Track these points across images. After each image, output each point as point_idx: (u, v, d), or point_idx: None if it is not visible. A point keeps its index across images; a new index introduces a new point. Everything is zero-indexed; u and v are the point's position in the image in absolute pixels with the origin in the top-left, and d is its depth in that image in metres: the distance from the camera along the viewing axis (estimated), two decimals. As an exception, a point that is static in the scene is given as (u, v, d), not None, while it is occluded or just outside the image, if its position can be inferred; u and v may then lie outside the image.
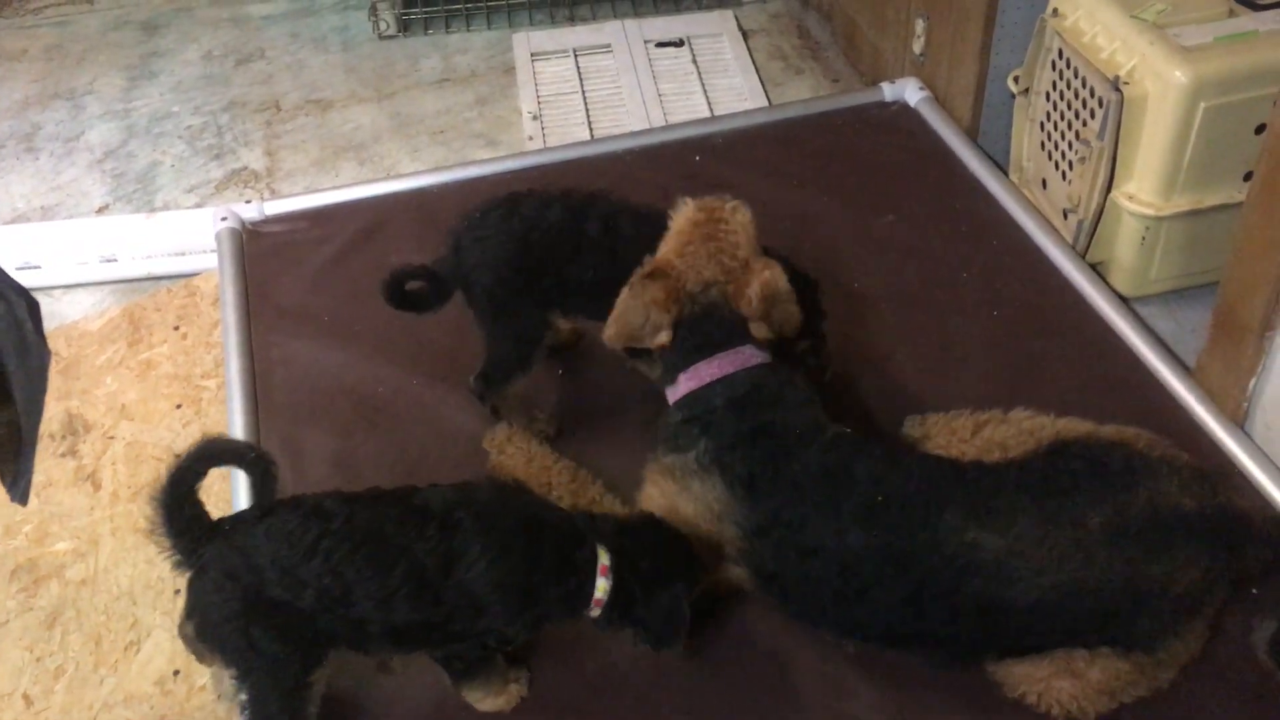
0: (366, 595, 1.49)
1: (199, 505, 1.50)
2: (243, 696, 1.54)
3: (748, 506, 1.63)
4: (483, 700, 1.70)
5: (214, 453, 1.54)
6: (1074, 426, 1.72)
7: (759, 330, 1.73)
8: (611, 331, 1.77)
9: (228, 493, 2.05)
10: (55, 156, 3.26)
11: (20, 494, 1.47)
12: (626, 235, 1.95)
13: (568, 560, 1.56)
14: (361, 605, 1.49)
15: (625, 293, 1.75)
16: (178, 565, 1.51)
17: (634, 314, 1.74)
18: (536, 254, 1.96)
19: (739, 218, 1.79)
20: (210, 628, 1.50)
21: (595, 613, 1.59)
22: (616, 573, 1.57)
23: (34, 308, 1.43)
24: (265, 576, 1.47)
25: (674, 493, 1.71)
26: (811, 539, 1.59)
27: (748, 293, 1.72)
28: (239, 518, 1.56)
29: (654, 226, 1.91)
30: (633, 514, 1.73)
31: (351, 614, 1.49)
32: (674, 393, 1.75)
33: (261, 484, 1.57)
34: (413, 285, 2.02)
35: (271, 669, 1.50)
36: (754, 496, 1.63)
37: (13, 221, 3.01)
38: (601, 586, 1.57)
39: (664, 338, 1.74)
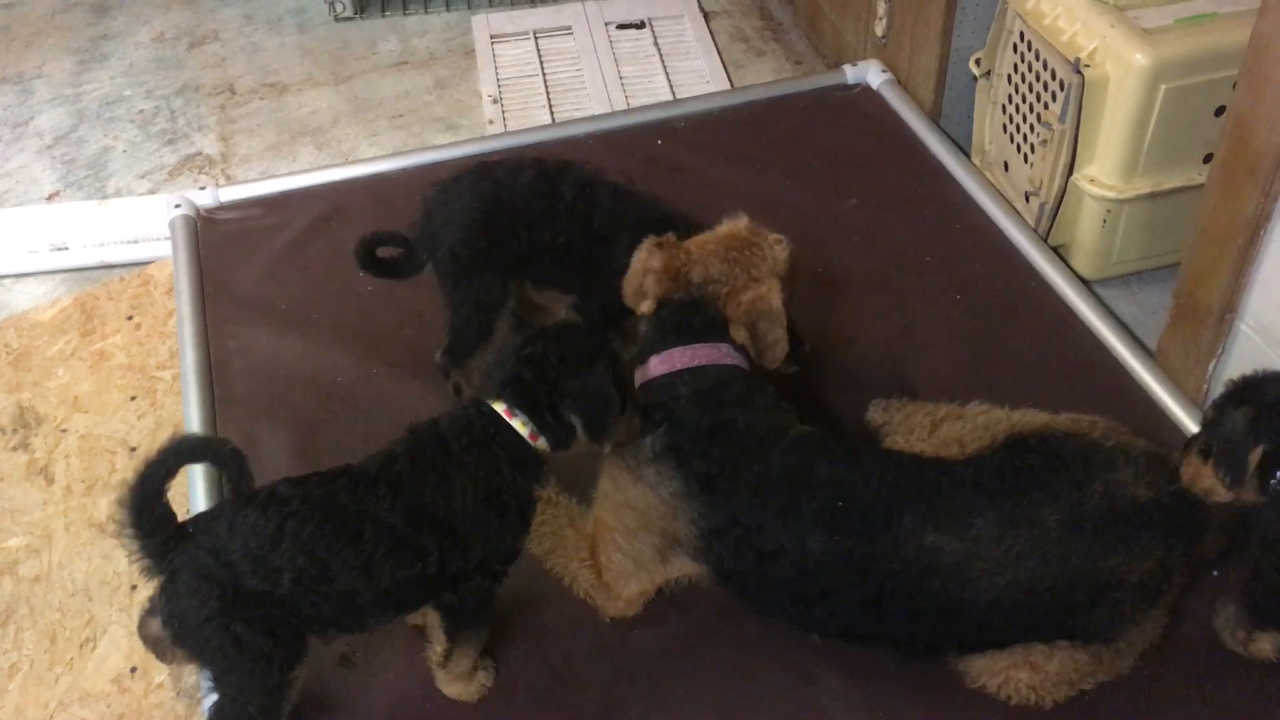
0: (344, 566, 1.48)
1: (167, 506, 1.47)
2: (215, 698, 1.52)
3: (706, 506, 1.62)
4: (451, 685, 1.68)
5: (186, 449, 1.51)
6: (1030, 419, 1.72)
7: (739, 335, 1.73)
8: (625, 288, 1.80)
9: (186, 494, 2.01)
10: (3, 142, 3.19)
11: None
12: (604, 206, 1.93)
13: (483, 443, 1.56)
14: (342, 577, 1.48)
15: (637, 251, 1.77)
16: (146, 570, 1.47)
17: (634, 275, 1.76)
18: (506, 216, 1.94)
19: (776, 250, 1.80)
20: (190, 631, 1.47)
21: (542, 444, 1.58)
22: (524, 397, 1.56)
23: None
24: (239, 570, 1.45)
25: (628, 484, 1.70)
26: (771, 542, 1.59)
27: (739, 300, 1.72)
28: (202, 519, 1.53)
29: (636, 207, 1.90)
30: (525, 334, 1.68)
31: (335, 589, 1.48)
32: (643, 374, 1.74)
33: (237, 479, 1.54)
34: (385, 251, 2.00)
35: (254, 666, 1.48)
36: (712, 496, 1.62)
37: (-40, 209, 2.95)
38: (519, 425, 1.56)
39: (646, 306, 1.74)
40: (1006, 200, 2.52)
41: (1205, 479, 1.53)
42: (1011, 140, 2.48)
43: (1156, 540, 1.54)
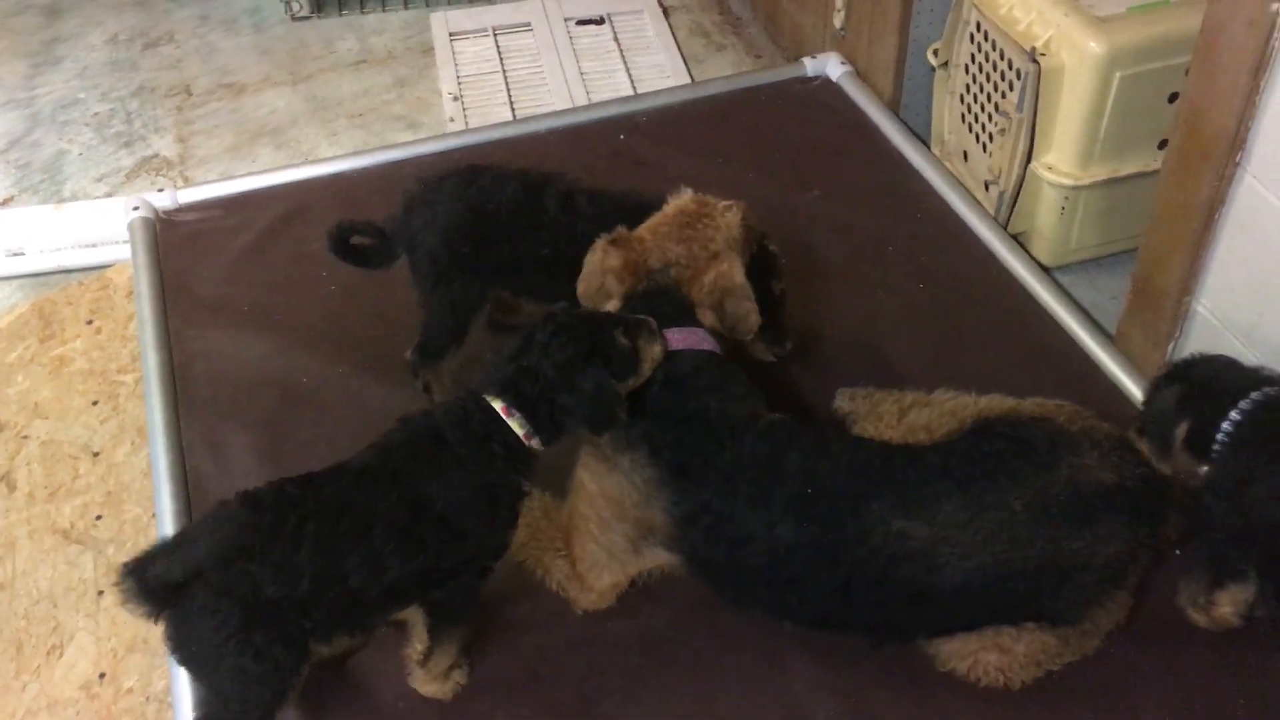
0: (360, 563, 1.47)
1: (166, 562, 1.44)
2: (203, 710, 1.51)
3: (678, 493, 1.63)
4: (428, 685, 1.68)
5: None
6: (996, 404, 1.74)
7: (706, 318, 1.73)
8: (579, 289, 1.78)
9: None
10: (-45, 147, 3.15)
11: None
12: (585, 214, 1.94)
13: (480, 438, 1.56)
14: (357, 574, 1.47)
15: (590, 254, 1.76)
16: (149, 616, 1.44)
17: (592, 276, 1.75)
18: (490, 226, 1.95)
19: (727, 217, 1.79)
20: (205, 652, 1.44)
21: (535, 444, 1.58)
22: (524, 399, 1.56)
23: None
24: (259, 578, 1.42)
25: (603, 474, 1.70)
26: (742, 530, 1.60)
27: (701, 279, 1.72)
28: (196, 531, 1.52)
29: (614, 206, 1.90)
30: (524, 336, 1.66)
31: (348, 588, 1.47)
32: None
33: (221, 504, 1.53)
34: (359, 240, 2.00)
35: (266, 677, 1.45)
36: (684, 484, 1.62)
37: (-88, 216, 2.90)
38: (516, 424, 1.56)
39: (613, 306, 1.74)
40: (966, 189, 2.55)
41: (1143, 453, 1.63)
42: (970, 130, 2.51)
43: (1121, 523, 1.56)
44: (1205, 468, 1.60)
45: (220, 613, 1.41)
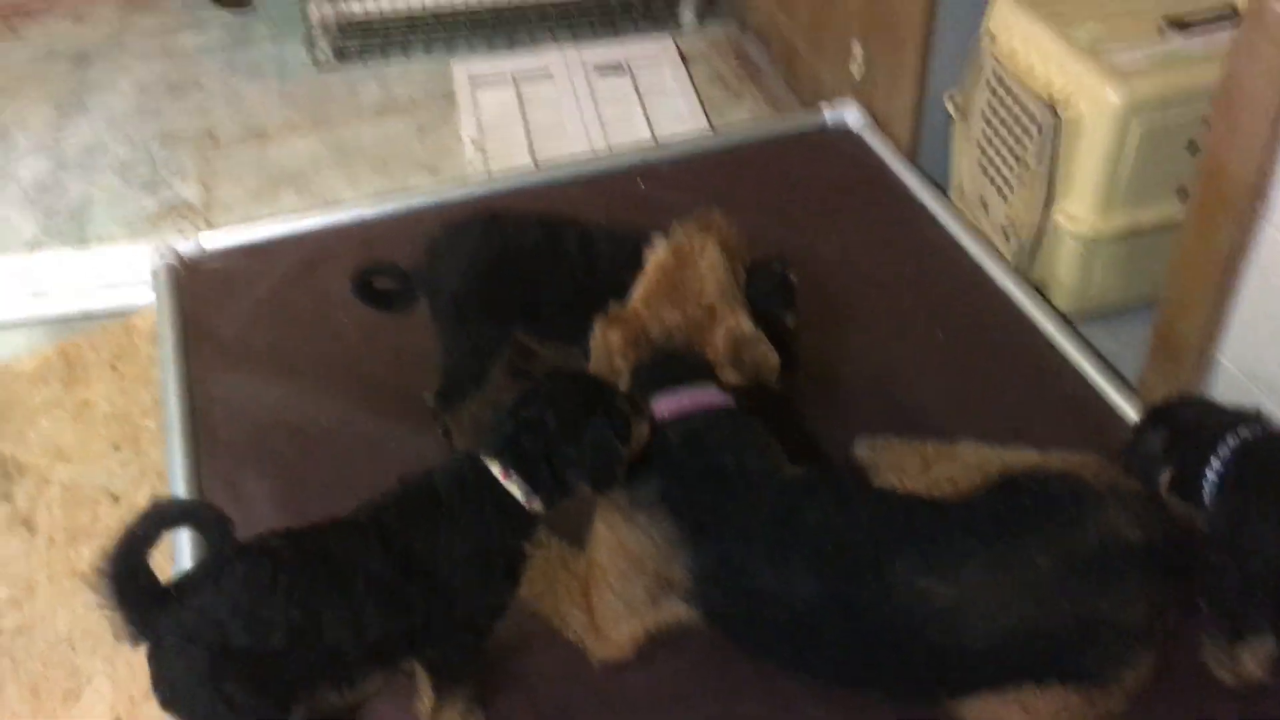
0: (336, 619, 1.46)
1: (149, 573, 1.43)
2: None
3: (697, 549, 1.62)
4: None
5: (163, 516, 1.46)
6: (1021, 458, 1.72)
7: (728, 375, 1.73)
8: (591, 369, 1.79)
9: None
10: (-17, 192, 3.19)
11: None
12: (604, 254, 1.96)
13: (476, 503, 1.55)
14: (333, 631, 1.46)
15: (592, 336, 1.77)
16: (132, 638, 1.44)
17: (599, 358, 1.76)
18: (511, 268, 1.97)
19: (707, 258, 1.79)
20: (180, 695, 1.43)
21: (537, 506, 1.57)
22: (523, 461, 1.55)
23: None
24: (228, 628, 1.41)
25: (621, 527, 1.69)
26: (761, 586, 1.58)
27: (713, 342, 1.73)
28: (187, 578, 1.51)
29: (634, 246, 1.92)
30: (523, 391, 1.66)
31: (325, 642, 1.46)
32: None
33: (219, 542, 1.52)
34: (381, 282, 2.01)
35: None
36: (703, 540, 1.61)
37: (-61, 259, 2.93)
38: (514, 487, 1.55)
39: (626, 382, 1.74)
40: (985, 238, 2.55)
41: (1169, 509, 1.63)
42: (989, 178, 2.51)
43: (1148, 581, 1.54)
44: (1196, 510, 1.61)
45: (187, 657, 1.40)
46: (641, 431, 1.64)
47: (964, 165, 2.63)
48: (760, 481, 1.65)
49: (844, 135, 2.94)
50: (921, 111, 2.75)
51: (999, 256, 2.49)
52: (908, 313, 2.40)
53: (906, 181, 2.75)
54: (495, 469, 1.56)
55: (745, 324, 1.75)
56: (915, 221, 2.65)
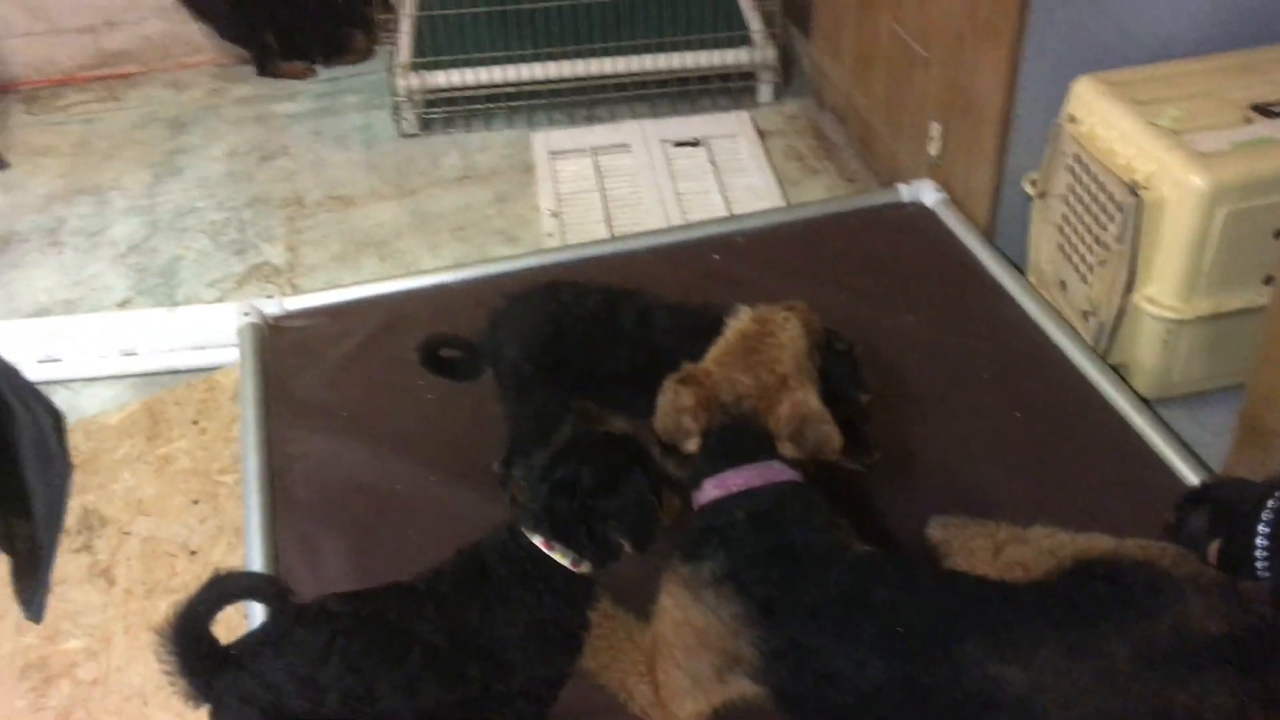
0: (391, 686, 1.47)
1: (212, 641, 1.47)
2: None
3: (765, 628, 1.60)
4: None
5: (225, 589, 1.49)
6: (1096, 544, 1.68)
7: (787, 450, 1.73)
8: (657, 428, 1.79)
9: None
10: (79, 251, 3.30)
11: (35, 611, 1.44)
12: (661, 328, 1.98)
13: (525, 576, 1.55)
14: (387, 699, 1.47)
15: (662, 393, 1.76)
16: (194, 699, 1.47)
17: (667, 416, 1.75)
18: (569, 338, 1.99)
19: (789, 331, 1.80)
20: None
21: (586, 568, 1.57)
22: (561, 527, 1.55)
23: (59, 420, 1.42)
24: (282, 692, 1.44)
25: (688, 603, 1.68)
26: (830, 666, 1.56)
27: (778, 411, 1.72)
28: (247, 642, 1.53)
29: (692, 320, 1.93)
30: (553, 450, 1.67)
31: (378, 709, 1.47)
32: (698, 498, 1.74)
33: (278, 611, 1.55)
34: (448, 352, 2.05)
35: None
36: (772, 619, 1.60)
37: (35, 315, 3.04)
38: (559, 556, 1.55)
39: (692, 445, 1.74)
40: (1064, 318, 2.52)
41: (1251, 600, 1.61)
42: (1068, 259, 2.49)
43: (1230, 675, 1.49)
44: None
45: (244, 718, 1.43)
46: (674, 503, 1.64)
47: (1042, 245, 2.62)
48: (829, 559, 1.63)
49: (920, 213, 2.94)
50: (999, 191, 2.75)
51: (1078, 338, 2.47)
52: (983, 391, 2.38)
53: (983, 260, 2.74)
54: (537, 539, 1.56)
55: (813, 400, 1.75)
56: (992, 300, 2.63)
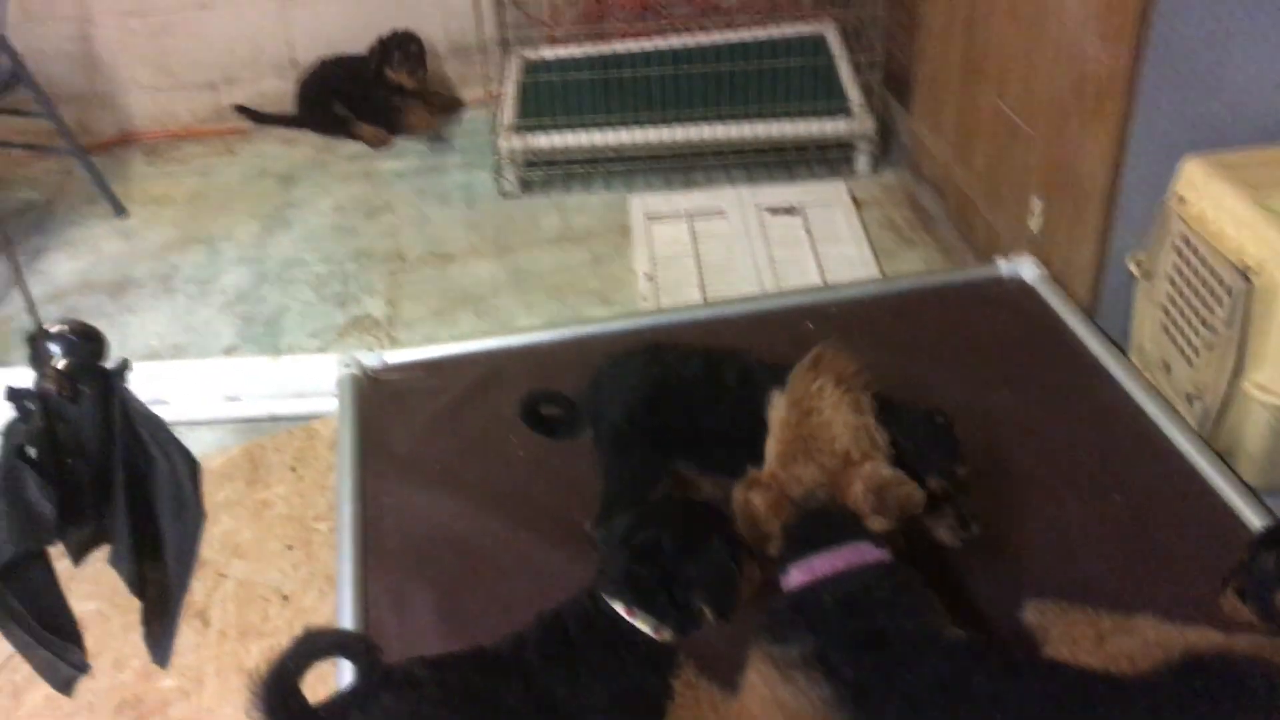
0: None
1: (301, 699, 1.48)
2: None
3: (858, 714, 1.57)
4: None
5: (315, 647, 1.52)
6: (1206, 638, 1.63)
7: (875, 524, 1.72)
8: (739, 527, 1.79)
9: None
10: (191, 298, 3.42)
11: (161, 655, 1.49)
12: (764, 388, 1.98)
13: (608, 645, 1.56)
14: None
15: (734, 499, 1.77)
16: None
17: (744, 523, 1.75)
18: (671, 399, 2.01)
19: (828, 403, 1.79)
20: None
21: (668, 636, 1.57)
22: (643, 594, 1.55)
23: (195, 469, 1.47)
24: None
25: (777, 682, 1.66)
26: None
27: (852, 492, 1.72)
28: (336, 702, 1.55)
29: None
30: (633, 515, 1.68)
31: None
32: (785, 584, 1.73)
33: (367, 669, 1.57)
34: (548, 410, 2.07)
35: None
36: (865, 704, 1.57)
37: (146, 358, 3.15)
38: (642, 623, 1.55)
39: (774, 548, 1.74)
40: (1167, 401, 2.46)
41: (1244, 614, 1.68)
42: (1173, 342, 2.44)
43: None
44: None
45: None
46: (754, 572, 1.63)
47: (1146, 326, 2.57)
48: (923, 645, 1.60)
49: (1019, 288, 2.91)
50: (1102, 269, 2.71)
51: (1182, 422, 2.40)
52: (1083, 474, 2.33)
53: (1084, 338, 2.69)
54: (619, 606, 1.56)
55: (883, 467, 1.73)
56: (1093, 380, 2.58)
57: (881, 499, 1.72)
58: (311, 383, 2.87)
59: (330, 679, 2.02)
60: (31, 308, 1.44)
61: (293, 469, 2.61)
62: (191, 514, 1.44)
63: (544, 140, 3.78)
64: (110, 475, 1.38)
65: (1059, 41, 2.68)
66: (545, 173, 3.87)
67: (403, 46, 4.14)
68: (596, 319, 3.01)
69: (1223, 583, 1.73)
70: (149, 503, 1.39)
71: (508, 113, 3.89)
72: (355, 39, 4.30)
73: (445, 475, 2.43)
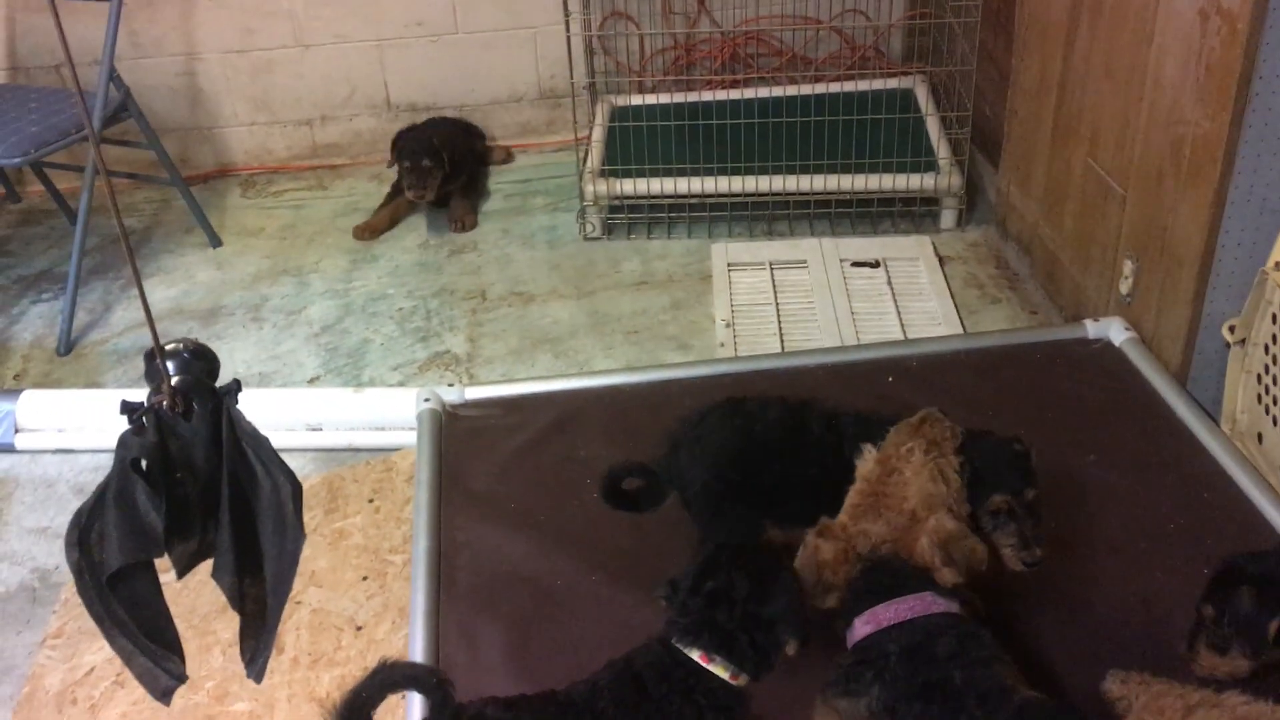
0: None
1: None
2: None
3: None
4: None
5: (390, 678, 1.54)
6: None
7: (946, 577, 1.70)
8: (802, 575, 1.79)
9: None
10: (278, 328, 3.50)
11: (257, 672, 1.51)
12: (850, 434, 1.97)
13: (684, 693, 1.56)
14: None
15: (803, 548, 1.79)
16: None
17: (809, 571, 1.76)
18: (758, 450, 1.99)
19: (913, 465, 1.80)
20: None
21: (743, 680, 1.57)
22: (721, 639, 1.55)
23: (298, 491, 1.50)
24: None
25: None
26: None
27: (919, 546, 1.72)
28: None
29: (879, 427, 1.92)
30: (698, 561, 1.69)
31: None
32: (850, 637, 1.71)
33: (439, 706, 1.57)
34: (630, 483, 2.07)
35: None
36: None
37: (233, 384, 3.21)
38: (719, 669, 1.55)
39: (833, 601, 1.75)
40: (1260, 473, 2.39)
41: (1225, 665, 1.74)
42: (1267, 412, 2.38)
43: None
44: None
45: None
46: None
47: (1239, 395, 2.50)
48: (995, 701, 1.57)
49: (1107, 351, 2.85)
50: (1195, 335, 2.65)
51: (1274, 494, 2.33)
52: (1169, 544, 2.26)
53: (1174, 405, 2.62)
54: (695, 653, 1.56)
55: (947, 521, 1.73)
56: (1182, 447, 2.52)
57: (947, 551, 1.71)
58: (391, 416, 2.90)
59: (399, 711, 2.04)
60: (151, 326, 1.48)
61: (370, 500, 2.64)
62: (292, 534, 1.46)
63: (629, 185, 3.81)
64: (217, 491, 1.41)
65: (1156, 103, 2.65)
66: (628, 217, 3.90)
67: (413, 159, 3.92)
68: (675, 364, 3.01)
69: (1188, 647, 1.82)
70: (252, 520, 1.42)
71: (594, 157, 3.94)
72: (447, 82, 4.40)
73: (520, 513, 2.44)
